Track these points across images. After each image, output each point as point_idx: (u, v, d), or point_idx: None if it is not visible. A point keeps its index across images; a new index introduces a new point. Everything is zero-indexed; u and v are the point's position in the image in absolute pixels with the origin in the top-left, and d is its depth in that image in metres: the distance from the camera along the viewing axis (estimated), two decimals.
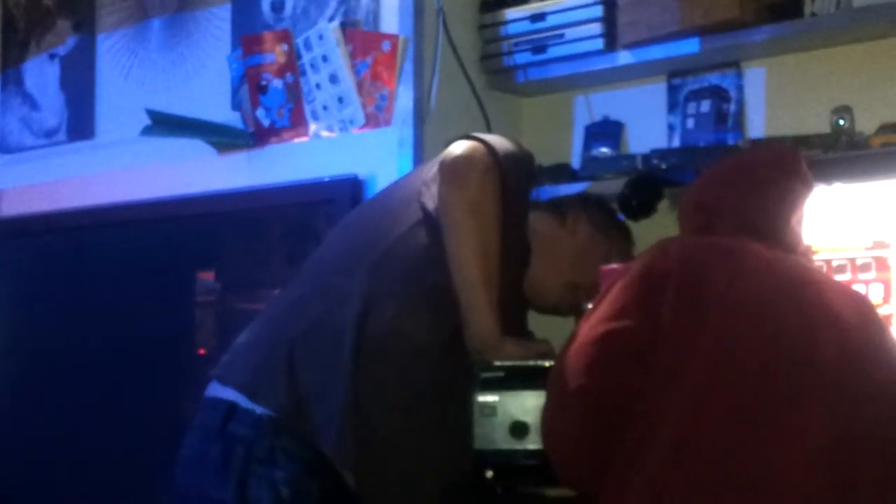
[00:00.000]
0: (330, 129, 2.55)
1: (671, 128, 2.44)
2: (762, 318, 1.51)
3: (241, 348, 1.89)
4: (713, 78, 2.40)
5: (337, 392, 1.75)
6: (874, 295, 1.93)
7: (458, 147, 1.86)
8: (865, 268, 1.95)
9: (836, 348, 1.49)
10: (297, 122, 2.60)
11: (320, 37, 2.56)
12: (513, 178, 1.87)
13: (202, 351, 2.72)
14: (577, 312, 2.08)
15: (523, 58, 2.49)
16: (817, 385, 1.47)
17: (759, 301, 1.53)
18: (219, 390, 1.83)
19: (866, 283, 1.94)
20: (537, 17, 2.47)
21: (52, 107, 3.19)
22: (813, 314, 1.52)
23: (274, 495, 1.72)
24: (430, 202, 1.86)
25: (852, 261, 1.96)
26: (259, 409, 1.75)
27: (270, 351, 1.82)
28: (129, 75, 3.01)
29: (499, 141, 1.89)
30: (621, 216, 2.23)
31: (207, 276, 2.77)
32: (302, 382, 1.76)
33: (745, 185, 1.72)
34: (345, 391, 1.75)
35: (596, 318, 1.60)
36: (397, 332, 1.79)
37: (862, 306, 1.58)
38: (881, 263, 1.93)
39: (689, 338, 1.51)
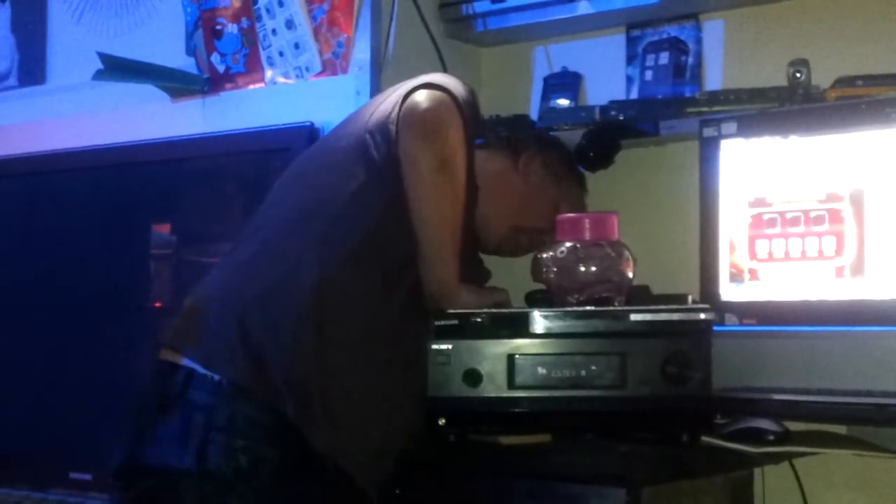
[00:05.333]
0: (286, 75, 2.53)
1: (629, 79, 2.44)
2: None
3: (190, 313, 1.84)
4: (672, 30, 2.40)
5: (299, 358, 1.72)
6: (827, 247, 1.95)
7: (425, 99, 1.81)
8: (819, 220, 1.96)
9: None
10: (252, 68, 2.57)
11: None
12: (471, 126, 1.86)
13: (158, 304, 2.70)
14: (519, 254, 2.09)
15: (482, 6, 2.48)
16: None
17: None
18: (174, 355, 1.78)
19: (819, 235, 1.96)
20: None
21: (3, 51, 3.12)
22: None
23: (233, 464, 1.68)
24: (377, 154, 1.83)
25: (806, 213, 1.97)
26: (218, 376, 1.72)
27: (221, 318, 1.77)
28: (81, 19, 2.97)
29: (456, 87, 1.86)
30: (580, 168, 2.23)
31: (160, 223, 2.74)
32: (260, 348, 1.72)
33: None
34: (308, 357, 1.72)
35: None
36: (358, 297, 1.77)
37: None
38: (834, 216, 1.95)
39: None
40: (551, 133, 2.30)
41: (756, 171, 2.02)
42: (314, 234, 1.80)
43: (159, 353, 1.82)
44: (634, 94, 2.42)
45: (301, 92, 2.48)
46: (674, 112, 2.22)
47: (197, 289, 1.88)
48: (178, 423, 1.72)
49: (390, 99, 1.88)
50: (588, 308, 1.83)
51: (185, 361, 1.75)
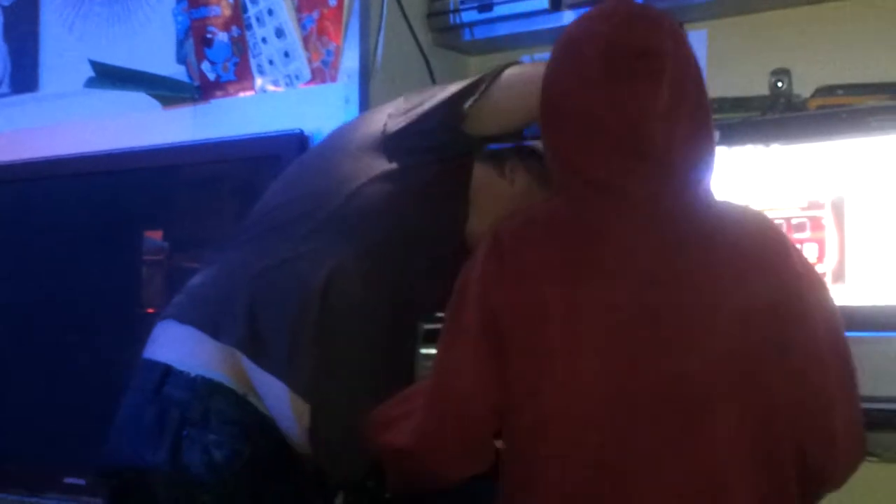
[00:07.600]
0: (276, 83, 2.55)
1: None
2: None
3: (197, 288, 1.86)
4: None
5: (299, 334, 1.73)
6: (809, 254, 1.98)
7: None
8: (800, 227, 1.99)
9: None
10: (242, 76, 2.59)
11: None
12: None
13: (151, 310, 2.72)
14: None
15: (469, 16, 2.51)
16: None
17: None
18: (154, 352, 1.80)
19: (801, 242, 1.99)
20: None
21: None
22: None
23: (206, 458, 1.70)
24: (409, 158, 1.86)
25: (788, 220, 2.00)
26: (194, 372, 1.74)
27: (232, 286, 1.79)
28: (73, 27, 2.99)
29: None
30: None
31: (152, 230, 2.76)
32: (261, 318, 1.74)
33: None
34: (297, 357, 1.73)
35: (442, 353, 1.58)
36: (361, 298, 1.79)
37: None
38: (815, 223, 1.98)
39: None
40: (538, 141, 2.33)
41: (738, 179, 2.05)
42: (330, 225, 1.81)
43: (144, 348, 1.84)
44: None
45: (291, 100, 2.50)
46: None
47: (201, 270, 1.90)
48: (154, 418, 1.74)
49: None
50: None
51: (163, 357, 1.78)
